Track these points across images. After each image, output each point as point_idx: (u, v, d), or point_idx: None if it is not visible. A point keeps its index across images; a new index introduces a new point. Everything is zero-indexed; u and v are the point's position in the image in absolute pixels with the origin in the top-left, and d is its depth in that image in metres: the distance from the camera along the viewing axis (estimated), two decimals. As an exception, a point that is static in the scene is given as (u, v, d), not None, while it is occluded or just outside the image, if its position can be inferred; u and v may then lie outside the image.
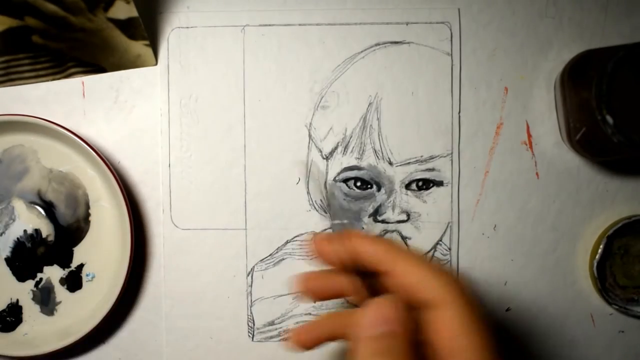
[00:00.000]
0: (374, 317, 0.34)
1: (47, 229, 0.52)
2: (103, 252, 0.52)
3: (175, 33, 0.52)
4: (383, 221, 0.52)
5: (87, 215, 0.52)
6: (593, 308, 0.53)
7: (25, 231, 0.52)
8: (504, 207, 0.53)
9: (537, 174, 0.53)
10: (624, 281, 0.52)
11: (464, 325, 0.33)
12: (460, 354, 0.33)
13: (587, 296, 0.53)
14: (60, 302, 0.52)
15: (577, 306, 0.53)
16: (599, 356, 0.53)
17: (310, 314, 0.53)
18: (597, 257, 0.51)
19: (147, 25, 0.50)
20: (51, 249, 0.52)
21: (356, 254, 0.36)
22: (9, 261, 0.52)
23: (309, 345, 0.38)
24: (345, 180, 0.52)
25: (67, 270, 0.52)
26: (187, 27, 0.52)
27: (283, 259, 0.53)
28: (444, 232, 0.53)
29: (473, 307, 0.34)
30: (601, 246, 0.51)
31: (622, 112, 0.44)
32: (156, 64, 0.52)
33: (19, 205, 0.52)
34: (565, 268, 0.53)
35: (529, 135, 0.52)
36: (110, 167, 0.49)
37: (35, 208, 0.52)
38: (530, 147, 0.52)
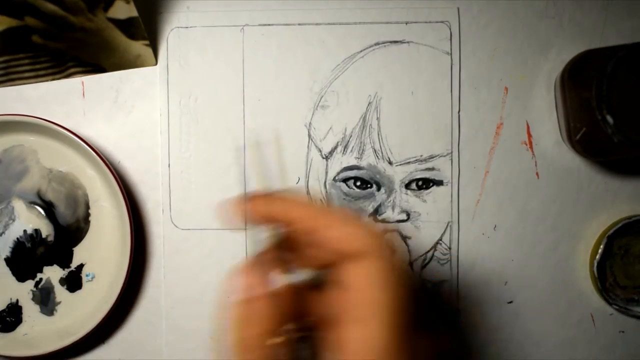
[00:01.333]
0: (233, 286, 0.35)
1: (46, 229, 0.52)
2: (103, 252, 0.52)
3: (175, 33, 0.52)
4: (383, 221, 0.52)
5: (87, 215, 0.52)
6: (593, 308, 0.53)
7: (25, 231, 0.52)
8: (504, 207, 0.53)
9: (537, 174, 0.53)
10: (624, 281, 0.52)
11: (377, 279, 0.33)
12: (368, 305, 0.33)
13: (587, 296, 0.53)
14: (60, 302, 0.52)
15: (577, 306, 0.53)
16: (599, 356, 0.53)
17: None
18: (598, 257, 0.51)
19: (146, 25, 0.50)
20: (51, 249, 0.52)
21: (284, 216, 0.36)
22: (8, 261, 0.52)
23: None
24: (345, 180, 0.52)
25: (67, 271, 0.52)
26: (187, 27, 0.52)
27: (283, 259, 0.53)
28: (444, 232, 0.53)
29: (388, 262, 0.34)
30: (601, 246, 0.51)
31: (622, 112, 0.44)
32: (156, 64, 0.52)
33: (19, 205, 0.52)
34: (566, 268, 0.53)
35: (529, 135, 0.52)
36: (110, 167, 0.49)
37: (35, 208, 0.52)
38: (531, 147, 0.52)
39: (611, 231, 0.50)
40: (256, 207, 0.37)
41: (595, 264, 0.51)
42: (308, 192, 0.53)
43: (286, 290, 0.35)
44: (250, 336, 0.34)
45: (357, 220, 0.35)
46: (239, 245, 0.53)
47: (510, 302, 0.53)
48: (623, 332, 0.53)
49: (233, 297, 0.35)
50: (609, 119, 0.44)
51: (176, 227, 0.53)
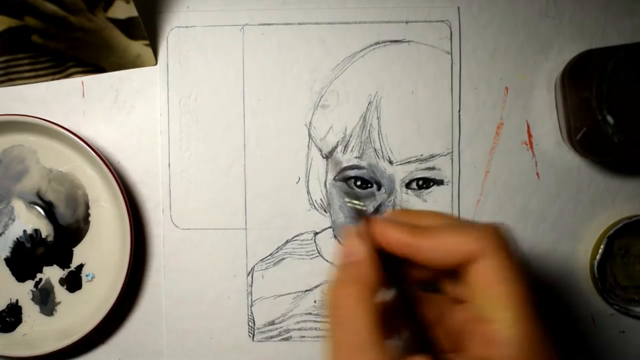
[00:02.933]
0: (340, 252, 0.37)
1: (46, 229, 0.52)
2: (103, 253, 0.52)
3: (175, 32, 0.52)
4: (383, 220, 0.52)
5: (87, 215, 0.52)
6: (593, 308, 0.53)
7: (24, 231, 0.52)
8: (504, 207, 0.53)
9: (537, 174, 0.53)
10: (625, 281, 0.52)
11: (500, 274, 0.34)
12: (497, 301, 0.34)
13: (587, 296, 0.53)
14: (59, 303, 0.52)
15: (577, 306, 0.53)
16: (600, 356, 0.53)
17: (311, 313, 0.53)
18: (598, 257, 0.51)
19: (146, 25, 0.50)
20: (51, 249, 0.52)
21: (383, 243, 0.37)
22: (8, 261, 0.52)
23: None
24: (346, 180, 0.52)
25: (66, 271, 0.52)
26: (187, 27, 0.52)
27: (283, 259, 0.53)
28: (444, 232, 0.53)
29: (509, 257, 0.35)
30: (602, 246, 0.51)
31: (622, 112, 0.44)
32: (156, 63, 0.52)
33: (19, 206, 0.52)
34: (566, 268, 0.53)
35: (530, 135, 0.52)
36: (110, 167, 0.49)
37: (35, 208, 0.52)
38: (531, 147, 0.52)
39: (611, 231, 0.50)
40: (371, 232, 0.37)
41: (596, 264, 0.51)
42: (308, 192, 0.53)
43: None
44: (347, 294, 0.35)
45: (468, 224, 0.36)
46: (239, 245, 0.53)
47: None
48: (623, 332, 0.53)
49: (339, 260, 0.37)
50: (610, 119, 0.44)
51: (176, 226, 0.52)
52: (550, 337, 0.34)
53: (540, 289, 0.53)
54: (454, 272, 0.36)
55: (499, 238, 0.35)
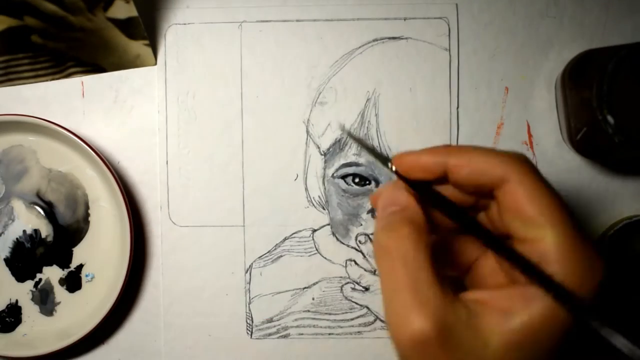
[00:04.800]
0: (381, 203, 0.38)
1: (46, 229, 0.52)
2: (102, 253, 0.52)
3: (173, 30, 0.52)
4: (382, 219, 0.52)
5: (87, 215, 0.52)
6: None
7: (24, 231, 0.52)
8: (504, 207, 0.53)
9: (537, 174, 0.52)
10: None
11: (533, 193, 0.35)
12: (535, 220, 0.34)
13: (587, 296, 0.53)
14: (59, 303, 0.52)
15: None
16: (599, 357, 0.53)
17: (309, 310, 0.53)
18: (598, 257, 0.51)
19: (144, 22, 0.50)
20: (50, 250, 0.52)
21: (418, 171, 0.38)
22: (8, 262, 0.52)
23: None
24: (344, 177, 0.52)
25: (66, 271, 0.52)
26: (184, 24, 0.52)
27: (281, 256, 0.53)
28: (443, 229, 0.53)
29: (538, 177, 0.35)
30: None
31: (623, 112, 0.44)
32: (156, 63, 0.52)
33: (18, 206, 0.52)
34: (566, 268, 0.53)
35: (530, 135, 0.52)
36: (110, 167, 0.49)
37: (35, 208, 0.52)
38: (531, 147, 0.52)
39: (612, 231, 0.50)
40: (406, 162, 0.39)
41: (596, 264, 0.51)
42: (306, 189, 0.53)
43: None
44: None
45: (491, 150, 0.37)
46: (237, 242, 0.53)
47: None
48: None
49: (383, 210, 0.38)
50: (610, 119, 0.43)
51: (174, 224, 0.53)
52: (594, 246, 0.34)
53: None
54: (488, 199, 0.37)
55: (527, 162, 0.36)
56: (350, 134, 0.52)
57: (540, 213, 0.34)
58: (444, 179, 0.38)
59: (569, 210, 0.35)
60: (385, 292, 0.36)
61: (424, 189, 0.38)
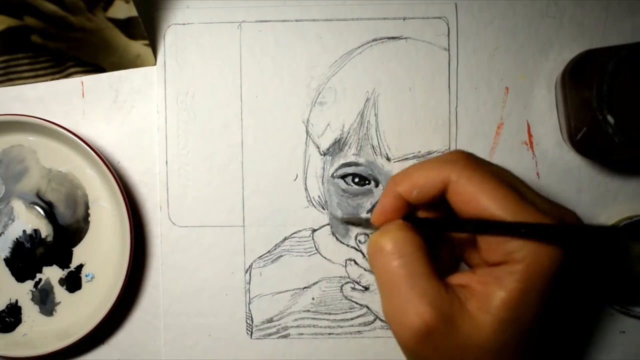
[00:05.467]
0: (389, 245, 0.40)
1: (46, 229, 0.52)
2: (102, 253, 0.52)
3: (172, 30, 0.52)
4: (382, 218, 0.52)
5: (87, 215, 0.52)
6: (594, 308, 0.53)
7: (24, 231, 0.52)
8: (504, 207, 0.53)
9: (537, 174, 0.52)
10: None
11: (476, 186, 0.37)
12: (485, 211, 0.37)
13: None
14: (59, 303, 0.52)
15: (577, 307, 0.53)
16: (600, 357, 0.53)
17: (309, 310, 0.53)
18: (598, 257, 0.51)
19: (143, 22, 0.50)
20: (50, 250, 0.52)
21: (392, 213, 0.42)
22: (8, 262, 0.52)
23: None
24: (343, 177, 0.52)
25: (66, 271, 0.52)
26: (184, 24, 0.52)
27: (281, 256, 0.53)
28: (443, 230, 0.53)
29: (477, 168, 0.38)
30: (602, 246, 0.51)
31: (623, 112, 0.44)
32: (155, 63, 0.52)
33: (18, 206, 0.52)
34: (566, 268, 0.53)
35: (530, 135, 0.52)
36: (110, 167, 0.49)
37: (35, 208, 0.52)
38: (531, 147, 0.52)
39: (612, 231, 0.50)
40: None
41: (596, 265, 0.51)
42: (306, 189, 0.53)
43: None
44: None
45: (428, 162, 0.41)
46: (237, 242, 0.53)
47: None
48: (624, 332, 0.53)
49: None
50: (610, 119, 0.43)
51: (174, 224, 0.53)
52: (557, 204, 0.38)
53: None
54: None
55: (461, 159, 0.39)
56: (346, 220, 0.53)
57: (489, 199, 0.37)
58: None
59: (516, 187, 0.38)
60: (383, 289, 0.37)
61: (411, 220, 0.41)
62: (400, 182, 0.41)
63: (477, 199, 0.37)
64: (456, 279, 0.39)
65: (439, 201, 0.41)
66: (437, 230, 0.42)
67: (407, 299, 0.36)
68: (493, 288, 0.37)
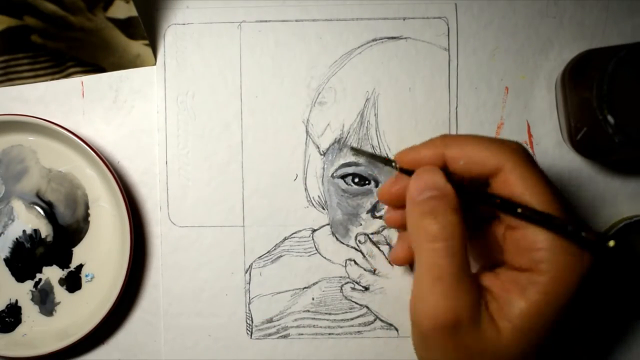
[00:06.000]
0: (419, 185, 0.39)
1: (46, 229, 0.52)
2: (102, 253, 0.52)
3: (172, 30, 0.52)
4: (381, 217, 0.52)
5: (87, 215, 0.52)
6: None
7: (24, 231, 0.52)
8: (504, 207, 0.53)
9: (537, 174, 0.52)
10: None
11: (526, 182, 0.37)
12: (529, 198, 0.37)
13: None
14: (59, 303, 0.52)
15: (577, 307, 0.53)
16: (600, 357, 0.53)
17: (309, 310, 0.53)
18: (598, 257, 0.51)
19: (143, 22, 0.50)
20: (50, 250, 0.52)
21: (422, 162, 0.41)
22: (7, 262, 0.52)
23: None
24: (343, 177, 0.52)
25: (66, 271, 0.52)
26: (184, 24, 0.52)
27: (281, 256, 0.53)
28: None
29: (531, 167, 0.37)
30: (602, 246, 0.50)
31: (623, 112, 0.44)
32: (155, 63, 0.52)
33: (18, 206, 0.52)
34: (566, 268, 0.53)
35: (530, 135, 0.52)
36: (110, 167, 0.49)
37: (35, 208, 0.52)
38: (531, 147, 0.52)
39: (612, 231, 0.50)
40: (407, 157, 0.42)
41: (596, 265, 0.51)
42: (306, 189, 0.53)
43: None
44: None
45: (486, 138, 0.39)
46: (236, 242, 0.53)
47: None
48: (624, 332, 0.53)
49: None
50: (610, 119, 0.43)
51: (174, 224, 0.52)
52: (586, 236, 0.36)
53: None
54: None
55: (520, 151, 0.38)
56: (353, 149, 0.52)
57: (533, 199, 0.36)
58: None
59: (561, 199, 0.37)
60: (425, 277, 0.37)
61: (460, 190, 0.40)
62: (451, 145, 0.39)
63: (525, 194, 0.37)
64: (482, 281, 0.38)
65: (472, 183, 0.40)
66: (487, 203, 0.40)
67: (446, 294, 0.36)
68: (514, 296, 0.36)
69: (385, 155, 0.52)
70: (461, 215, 0.38)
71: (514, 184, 0.37)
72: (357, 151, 0.51)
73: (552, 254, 0.36)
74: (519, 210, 0.37)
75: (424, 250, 0.38)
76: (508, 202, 0.38)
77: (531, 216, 0.37)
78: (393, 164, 0.42)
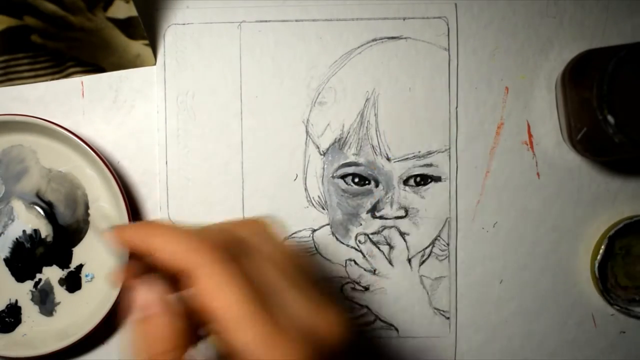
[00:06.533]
0: (136, 304, 0.35)
1: (46, 229, 0.52)
2: (102, 253, 0.52)
3: (172, 30, 0.52)
4: (381, 217, 0.52)
5: (87, 215, 0.52)
6: (594, 309, 0.53)
7: (24, 231, 0.52)
8: (504, 207, 0.53)
9: (538, 174, 0.52)
10: (626, 282, 0.52)
11: (217, 286, 0.33)
12: (219, 312, 0.33)
13: (588, 297, 0.53)
14: (59, 303, 0.52)
15: (578, 307, 0.53)
16: (600, 357, 0.53)
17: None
18: (599, 257, 0.51)
19: (143, 22, 0.50)
20: (50, 250, 0.52)
21: (130, 245, 0.36)
22: (7, 262, 0.52)
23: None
24: (343, 177, 0.52)
25: (66, 271, 0.52)
26: (184, 24, 0.52)
27: (282, 257, 0.53)
28: (442, 228, 0.53)
29: (223, 266, 0.34)
30: (602, 246, 0.50)
31: (623, 112, 0.44)
32: (155, 63, 0.52)
33: (18, 206, 0.52)
34: (567, 268, 0.53)
35: (530, 135, 0.52)
36: (110, 167, 0.49)
37: (35, 208, 0.52)
38: (531, 147, 0.52)
39: (612, 231, 0.50)
40: (120, 236, 0.37)
41: (596, 265, 0.51)
42: (306, 189, 0.53)
43: (180, 304, 0.35)
44: (159, 353, 0.34)
45: (186, 236, 0.35)
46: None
47: (510, 302, 0.53)
48: (624, 332, 0.53)
49: (132, 315, 0.35)
50: (610, 119, 0.43)
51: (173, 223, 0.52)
52: (290, 334, 0.33)
53: (541, 289, 0.53)
54: None
55: (210, 250, 0.34)
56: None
57: (218, 308, 0.33)
58: None
59: (255, 303, 0.33)
60: None
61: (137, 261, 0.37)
62: (158, 235, 0.35)
63: (212, 306, 0.33)
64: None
65: None
66: None
67: None
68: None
69: (386, 154, 0.52)
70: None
71: (202, 290, 0.33)
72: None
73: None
74: None
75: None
76: None
77: None
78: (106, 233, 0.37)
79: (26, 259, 0.52)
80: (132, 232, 0.36)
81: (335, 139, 0.52)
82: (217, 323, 0.33)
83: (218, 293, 0.33)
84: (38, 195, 0.52)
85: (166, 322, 0.35)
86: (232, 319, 0.33)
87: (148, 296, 0.35)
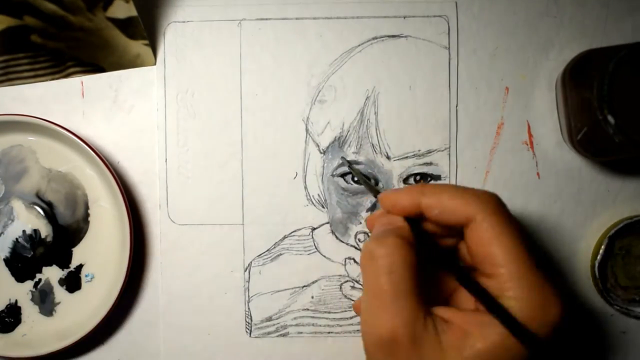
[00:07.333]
0: (382, 221, 0.42)
1: (46, 230, 0.52)
2: (102, 253, 0.52)
3: (172, 28, 0.52)
4: (382, 216, 0.52)
5: (87, 215, 0.52)
6: (594, 309, 0.53)
7: (24, 231, 0.52)
8: (504, 207, 0.53)
9: (538, 174, 0.52)
10: (626, 282, 0.52)
11: (495, 234, 0.37)
12: (492, 260, 0.37)
13: (588, 297, 0.53)
14: (59, 303, 0.52)
15: (578, 307, 0.53)
16: (600, 357, 0.53)
17: (308, 309, 0.53)
18: (599, 257, 0.51)
19: (143, 20, 0.50)
20: (50, 250, 0.52)
21: (402, 209, 0.41)
22: (7, 262, 0.52)
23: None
24: (343, 175, 0.52)
25: (66, 271, 0.52)
26: (184, 22, 0.52)
27: (280, 254, 0.53)
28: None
29: (503, 218, 0.38)
30: (602, 247, 0.50)
31: (623, 112, 0.44)
32: (155, 63, 0.52)
33: (18, 206, 0.52)
34: (566, 268, 0.53)
35: (530, 135, 0.52)
36: (110, 167, 0.49)
37: (34, 208, 0.52)
38: (532, 147, 0.52)
39: (612, 231, 0.50)
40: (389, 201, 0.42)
41: (596, 265, 0.51)
42: (305, 187, 0.53)
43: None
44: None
45: (467, 189, 0.40)
46: (236, 241, 0.53)
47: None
48: (624, 332, 0.53)
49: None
50: (610, 119, 0.43)
51: (173, 222, 0.53)
52: (555, 291, 0.37)
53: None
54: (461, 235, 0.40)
55: (493, 202, 0.39)
56: (351, 167, 0.52)
57: (500, 251, 0.37)
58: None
59: (530, 250, 0.37)
60: (367, 293, 0.39)
61: (412, 224, 0.41)
62: (428, 194, 0.40)
63: (492, 244, 0.37)
64: (441, 311, 0.39)
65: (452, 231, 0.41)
66: (433, 260, 0.41)
67: (384, 310, 0.37)
68: (473, 334, 0.36)
69: (385, 153, 0.52)
70: (409, 245, 0.39)
71: (483, 234, 0.38)
72: (351, 168, 0.52)
73: (521, 303, 0.36)
74: (466, 284, 0.38)
75: (366, 269, 0.39)
76: (466, 275, 0.38)
77: (482, 299, 0.37)
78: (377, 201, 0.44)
79: (26, 259, 0.52)
80: (400, 196, 0.41)
81: (335, 137, 0.52)
82: (491, 267, 0.37)
83: (500, 240, 0.37)
84: (38, 196, 0.52)
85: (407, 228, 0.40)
86: (510, 269, 0.37)
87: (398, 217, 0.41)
